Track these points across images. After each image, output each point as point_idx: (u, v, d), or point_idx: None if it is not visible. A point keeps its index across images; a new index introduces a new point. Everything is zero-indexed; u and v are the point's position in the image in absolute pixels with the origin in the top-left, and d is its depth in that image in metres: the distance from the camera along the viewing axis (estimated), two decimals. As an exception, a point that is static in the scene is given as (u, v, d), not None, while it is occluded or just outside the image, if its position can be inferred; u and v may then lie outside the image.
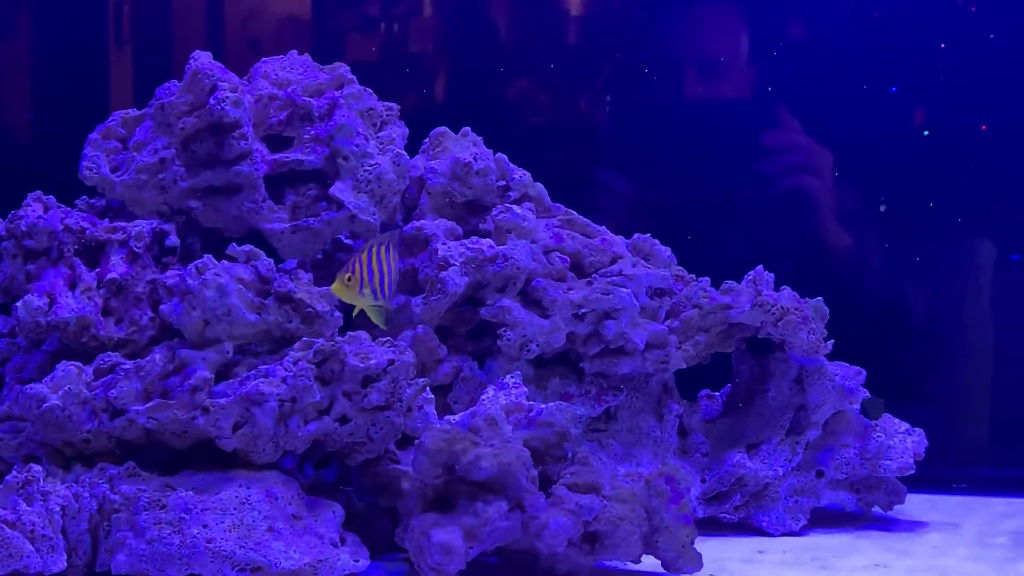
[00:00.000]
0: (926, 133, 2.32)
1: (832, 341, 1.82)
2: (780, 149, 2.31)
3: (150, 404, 1.51)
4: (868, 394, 1.87)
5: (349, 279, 1.57)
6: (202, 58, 1.70)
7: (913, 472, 1.87)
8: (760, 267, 1.83)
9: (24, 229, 1.63)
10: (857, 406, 1.86)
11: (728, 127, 2.34)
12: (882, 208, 2.34)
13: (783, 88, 2.36)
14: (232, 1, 2.46)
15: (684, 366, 1.79)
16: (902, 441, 1.86)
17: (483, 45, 2.43)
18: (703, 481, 1.81)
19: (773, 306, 1.78)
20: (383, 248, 1.56)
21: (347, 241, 1.85)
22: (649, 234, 1.85)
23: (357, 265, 1.56)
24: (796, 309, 1.78)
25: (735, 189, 2.34)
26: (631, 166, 2.35)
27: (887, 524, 1.91)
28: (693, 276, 1.85)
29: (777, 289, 1.82)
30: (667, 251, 1.83)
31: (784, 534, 1.82)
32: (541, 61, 2.42)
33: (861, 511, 1.91)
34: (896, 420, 1.89)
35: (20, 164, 2.40)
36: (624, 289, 1.72)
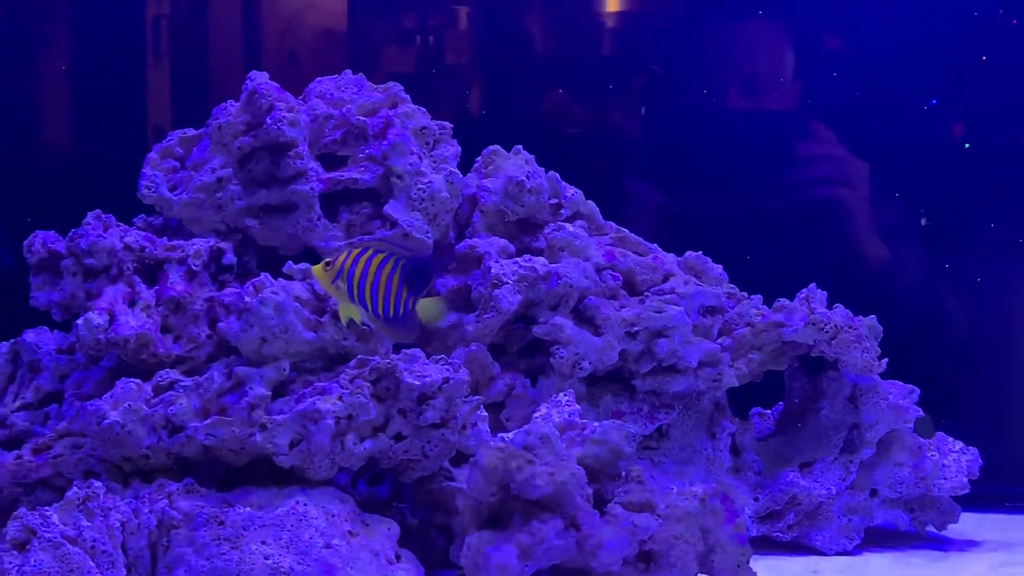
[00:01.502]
0: (967, 146, 2.31)
1: (886, 360, 1.81)
2: (813, 160, 2.30)
3: (208, 421, 1.53)
4: (921, 413, 1.86)
5: (328, 265, 1.49)
6: (259, 78, 1.72)
7: (967, 491, 1.86)
8: (813, 285, 1.83)
9: (84, 247, 1.66)
10: (911, 425, 1.85)
11: (762, 138, 2.34)
12: (923, 221, 2.33)
13: (821, 100, 2.35)
14: (269, 15, 2.48)
15: (736, 384, 1.79)
16: (956, 460, 1.85)
17: (518, 57, 2.44)
18: (756, 500, 1.80)
19: (827, 324, 1.77)
20: (388, 262, 1.48)
21: (399, 259, 1.86)
22: (701, 252, 1.85)
23: (344, 256, 1.48)
24: (850, 327, 1.78)
25: (769, 200, 2.34)
26: (664, 177, 2.35)
27: (941, 543, 1.90)
28: (745, 294, 1.84)
29: (830, 307, 1.82)
30: (719, 269, 1.83)
31: (838, 553, 1.81)
32: (575, 73, 2.43)
33: (915, 530, 1.89)
34: (950, 439, 1.88)
35: (57, 176, 2.43)
36: (676, 307, 1.72)
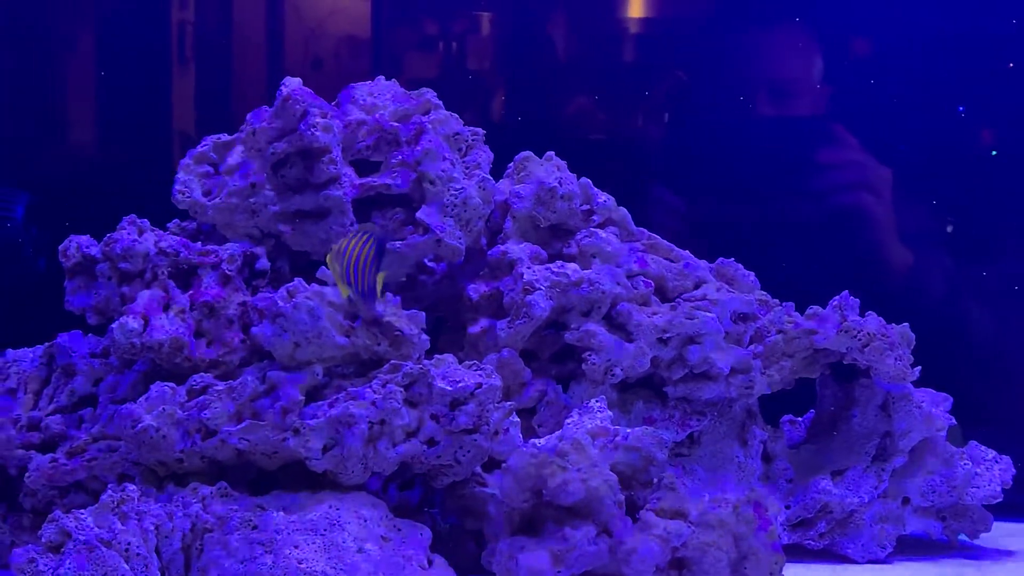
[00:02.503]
0: (994, 153, 2.30)
1: (919, 368, 1.80)
2: (836, 166, 2.30)
3: (242, 425, 1.54)
4: (954, 421, 1.85)
5: (335, 250, 1.56)
6: (292, 84, 1.73)
7: (1000, 500, 1.85)
8: (846, 292, 1.82)
9: (119, 252, 1.66)
10: (943, 433, 1.84)
11: (786, 144, 2.34)
12: (949, 228, 2.32)
13: (846, 106, 2.35)
14: (293, 21, 2.49)
15: (768, 391, 1.79)
16: (989, 469, 1.84)
17: (541, 62, 2.44)
18: (787, 507, 1.80)
19: (859, 332, 1.77)
20: (369, 241, 1.55)
21: (430, 264, 1.86)
22: (732, 258, 1.85)
23: (344, 241, 1.56)
24: (883, 335, 1.77)
25: (792, 206, 2.33)
26: (687, 183, 2.35)
27: (973, 552, 1.89)
28: (777, 301, 1.84)
29: (862, 314, 1.82)
30: (751, 276, 1.83)
31: (870, 561, 1.81)
32: (599, 78, 2.43)
33: (947, 539, 1.88)
34: (983, 447, 1.87)
35: (83, 181, 2.44)
36: (708, 314, 1.72)
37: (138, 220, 1.71)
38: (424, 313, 1.64)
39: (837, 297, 1.82)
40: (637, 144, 2.41)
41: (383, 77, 1.83)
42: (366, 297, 1.57)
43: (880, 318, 1.81)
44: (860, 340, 1.77)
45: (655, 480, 1.57)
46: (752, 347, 1.78)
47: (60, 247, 1.70)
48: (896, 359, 1.78)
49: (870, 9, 2.35)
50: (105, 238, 1.69)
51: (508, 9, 2.46)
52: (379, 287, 1.59)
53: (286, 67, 2.47)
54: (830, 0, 2.37)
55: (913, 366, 1.80)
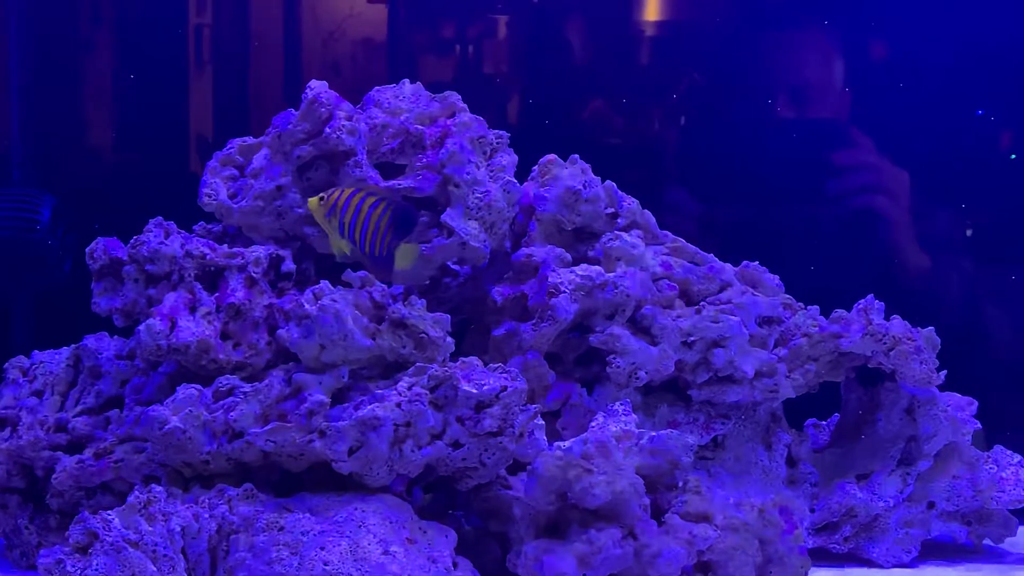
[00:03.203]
0: (1013, 157, 2.29)
1: (945, 372, 1.80)
2: (852, 169, 2.29)
3: (268, 427, 1.54)
4: (979, 425, 1.85)
5: (323, 200, 1.61)
6: (318, 87, 1.74)
7: (1025, 505, 1.85)
8: (871, 296, 1.82)
9: (146, 254, 1.67)
10: (969, 437, 1.83)
11: (802, 147, 2.33)
12: (968, 232, 2.32)
13: (864, 109, 2.34)
14: (310, 24, 2.50)
15: (793, 395, 1.78)
16: (1015, 473, 1.83)
17: (557, 66, 2.44)
18: (812, 511, 1.80)
19: (885, 335, 1.77)
20: (379, 205, 1.59)
21: (454, 267, 1.86)
22: (757, 262, 1.85)
23: (337, 194, 1.60)
24: (908, 339, 1.77)
25: (808, 209, 2.33)
26: (704, 186, 2.35)
27: (998, 557, 1.88)
28: (801, 304, 1.84)
29: (887, 318, 1.81)
30: (775, 279, 1.83)
31: (895, 566, 1.80)
32: (615, 82, 2.43)
33: (972, 543, 1.88)
34: (1008, 452, 1.87)
35: (102, 183, 2.45)
36: (733, 317, 1.72)
37: (164, 223, 1.72)
38: (449, 316, 1.64)
39: (862, 300, 1.82)
40: (653, 147, 2.41)
41: (408, 80, 1.83)
42: (377, 262, 1.60)
43: (905, 322, 1.81)
44: (885, 344, 1.77)
45: (680, 483, 1.57)
46: (777, 350, 1.78)
47: (87, 249, 1.71)
48: (922, 363, 1.77)
49: (889, 11, 2.35)
50: (132, 240, 1.69)
51: (524, 12, 2.46)
52: (407, 262, 1.63)
53: (303, 71, 2.48)
54: (848, 2, 2.37)
55: (939, 370, 1.80)
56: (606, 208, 1.82)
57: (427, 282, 1.84)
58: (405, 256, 1.65)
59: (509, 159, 1.79)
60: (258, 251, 1.69)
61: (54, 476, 1.64)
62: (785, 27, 2.40)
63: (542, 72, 2.45)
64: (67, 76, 2.48)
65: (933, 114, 2.31)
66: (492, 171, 1.77)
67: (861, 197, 2.29)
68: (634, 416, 1.60)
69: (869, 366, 1.82)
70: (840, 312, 1.82)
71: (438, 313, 1.63)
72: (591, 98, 2.40)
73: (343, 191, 1.60)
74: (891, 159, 2.31)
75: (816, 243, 2.32)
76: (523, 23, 2.47)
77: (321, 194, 1.62)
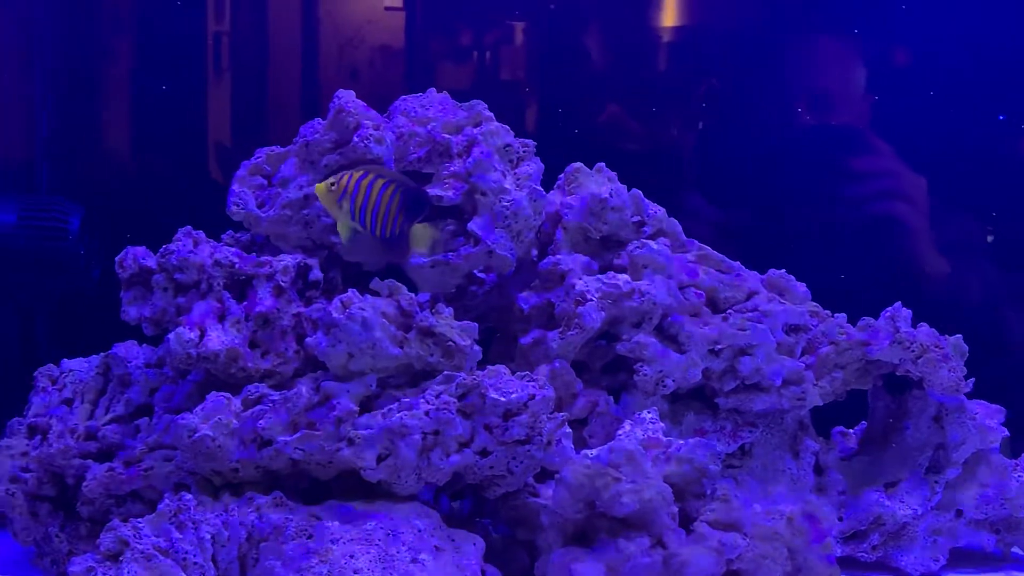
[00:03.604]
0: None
1: (972, 379, 1.79)
2: (870, 174, 2.29)
3: (297, 435, 1.55)
4: (1007, 433, 1.84)
5: (333, 185, 1.62)
6: (345, 96, 1.74)
7: (1054, 513, 1.84)
8: (898, 304, 1.81)
9: (175, 263, 1.68)
10: (997, 445, 1.83)
11: (820, 153, 2.33)
12: (989, 238, 2.31)
13: (884, 115, 2.34)
14: (328, 31, 2.51)
15: (821, 403, 1.78)
16: (1044, 481, 1.83)
17: (574, 72, 2.44)
18: (840, 519, 1.79)
19: (912, 343, 1.76)
20: (388, 187, 1.61)
21: (480, 275, 1.87)
22: (784, 270, 1.85)
23: (347, 178, 1.61)
24: (936, 346, 1.76)
25: (826, 215, 2.33)
26: (721, 192, 2.35)
27: (1027, 566, 1.88)
28: (828, 312, 1.83)
29: (914, 325, 1.81)
30: (802, 287, 1.82)
31: (923, 574, 1.80)
32: (632, 88, 2.43)
33: (1000, 552, 1.87)
34: (1037, 460, 1.86)
35: (120, 190, 2.47)
36: (760, 325, 1.72)
37: (193, 231, 1.72)
38: (476, 324, 1.65)
39: (890, 308, 1.81)
40: (670, 153, 2.41)
41: (434, 89, 1.83)
42: (390, 244, 1.62)
43: (933, 329, 1.80)
44: (913, 351, 1.77)
45: (708, 492, 1.57)
46: (804, 358, 1.78)
47: (117, 258, 1.72)
48: (950, 370, 1.77)
49: (909, 16, 2.34)
50: (161, 249, 1.70)
51: (542, 19, 2.47)
52: (423, 243, 1.65)
53: (321, 77, 2.49)
54: (867, 8, 2.37)
55: (967, 378, 1.79)
56: (632, 216, 1.82)
57: (453, 290, 1.85)
58: (421, 237, 1.66)
59: (535, 167, 1.79)
60: (286, 260, 1.70)
61: (84, 484, 1.65)
62: (803, 32, 2.40)
63: (559, 78, 2.45)
64: (89, 84, 2.50)
65: (955, 120, 2.30)
66: (518, 179, 1.77)
67: (879, 203, 2.28)
68: (661, 424, 1.61)
69: (897, 374, 1.82)
70: (868, 320, 1.81)
71: (465, 321, 1.64)
72: (608, 104, 2.40)
73: (352, 175, 1.61)
74: (910, 165, 2.31)
75: (834, 249, 2.31)
76: (540, 29, 2.47)
77: (329, 179, 1.63)
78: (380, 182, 1.61)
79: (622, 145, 2.41)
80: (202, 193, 2.44)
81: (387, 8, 2.50)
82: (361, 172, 1.62)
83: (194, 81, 2.45)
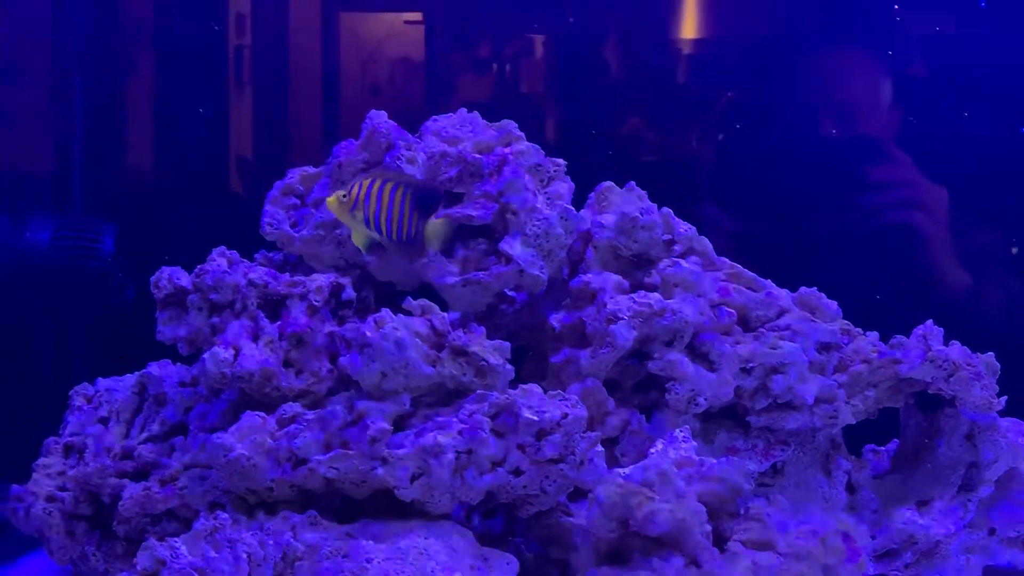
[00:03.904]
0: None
1: (1005, 397, 1.79)
2: (888, 185, 2.29)
3: (331, 454, 1.56)
4: (1041, 450, 1.83)
5: (344, 196, 1.64)
6: (378, 118, 1.76)
7: (1088, 531, 1.83)
8: (930, 322, 1.81)
9: (210, 283, 1.69)
10: (1029, 462, 1.82)
11: (839, 164, 2.33)
12: (1014, 250, 2.30)
13: (905, 126, 2.34)
14: (349, 45, 2.53)
15: (853, 421, 1.78)
16: (1077, 499, 1.82)
17: (594, 84, 2.45)
18: (873, 538, 1.78)
19: (945, 361, 1.76)
20: (398, 190, 1.63)
21: (510, 293, 1.87)
22: (815, 289, 1.85)
23: (357, 188, 1.63)
24: (968, 364, 1.76)
25: (845, 226, 2.33)
26: (740, 204, 2.35)
27: (1061, 584, 1.87)
28: (859, 330, 1.83)
29: (946, 343, 1.80)
30: (833, 305, 1.82)
31: (956, 593, 1.79)
32: (651, 100, 2.44)
33: (1033, 570, 1.87)
34: (1070, 477, 1.85)
35: (141, 203, 2.49)
36: (792, 343, 1.72)
37: (227, 251, 1.74)
38: (508, 343, 1.65)
39: (921, 326, 1.81)
40: (690, 164, 2.42)
41: (464, 109, 1.85)
42: (409, 246, 1.64)
43: (965, 347, 1.80)
44: (945, 370, 1.76)
45: (741, 511, 1.57)
46: (836, 376, 1.78)
47: (152, 278, 1.73)
48: (982, 388, 1.76)
49: (929, 28, 2.35)
50: (196, 269, 1.72)
51: (561, 31, 2.48)
52: (438, 237, 1.67)
53: (342, 91, 2.51)
54: (887, 19, 2.37)
55: (1000, 395, 1.79)
56: (663, 235, 1.82)
57: (484, 308, 1.86)
58: (435, 232, 1.68)
59: (566, 187, 1.80)
60: (319, 279, 1.71)
61: (121, 503, 1.66)
62: (822, 44, 2.41)
63: (579, 90, 2.46)
64: (117, 102, 2.52)
65: (976, 132, 2.30)
66: (549, 199, 1.78)
67: (897, 213, 2.28)
68: (693, 443, 1.61)
69: (929, 392, 1.82)
70: (899, 338, 1.81)
71: (498, 341, 1.64)
72: (627, 115, 2.41)
73: (361, 184, 1.63)
74: (930, 176, 2.30)
75: (853, 259, 2.31)
76: (559, 42, 2.49)
77: (339, 192, 1.65)
78: (389, 186, 1.63)
79: (641, 156, 2.42)
80: (228, 208, 2.46)
81: (407, 22, 2.52)
82: (370, 180, 1.63)
83: (215, 93, 2.47)
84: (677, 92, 2.46)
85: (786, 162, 2.37)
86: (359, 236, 1.66)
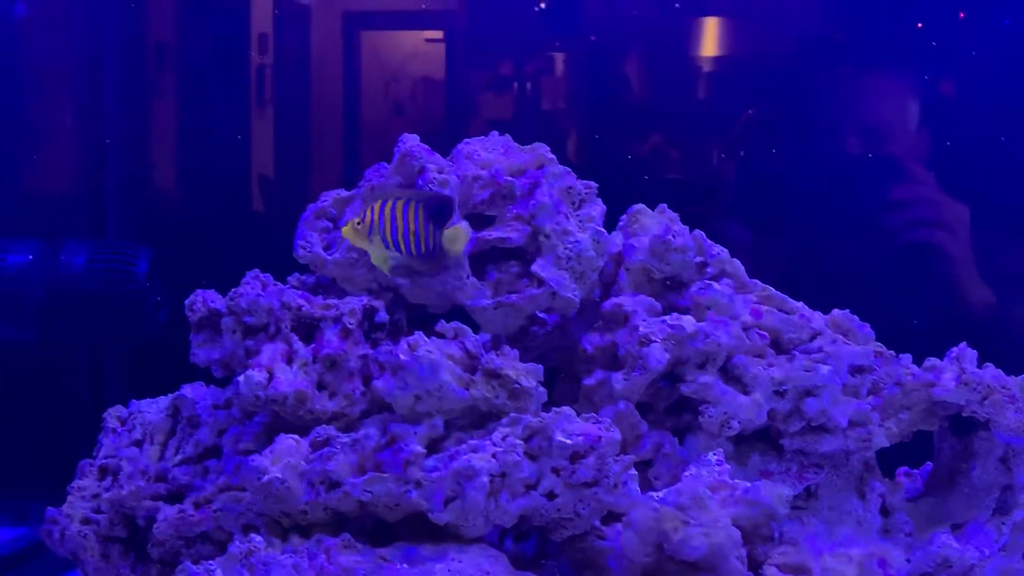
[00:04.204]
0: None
1: (1041, 420, 1.78)
2: (909, 203, 2.28)
3: (365, 477, 1.56)
4: (1075, 473, 1.82)
5: (359, 223, 1.66)
6: (410, 141, 1.76)
7: (1123, 555, 1.81)
8: (963, 344, 1.80)
9: (244, 306, 1.70)
10: (1064, 486, 1.81)
11: (860, 183, 2.33)
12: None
13: (927, 146, 2.34)
14: (371, 64, 2.54)
15: (887, 444, 1.77)
16: (1113, 523, 1.81)
17: (615, 102, 2.46)
18: (907, 561, 1.77)
19: (979, 384, 1.75)
20: (410, 206, 1.65)
21: (542, 315, 1.87)
22: (847, 311, 1.84)
23: (370, 212, 1.64)
24: (1003, 387, 1.75)
25: (863, 244, 2.32)
26: (761, 221, 2.35)
27: (1096, 608, 1.85)
28: (892, 353, 1.83)
29: (980, 366, 1.80)
30: (866, 327, 1.82)
31: (991, 617, 1.78)
32: (673, 117, 2.44)
33: (1068, 594, 1.85)
34: (1105, 501, 1.84)
35: (165, 222, 2.50)
36: (826, 366, 1.71)
37: (261, 274, 1.75)
38: (541, 366, 1.65)
39: (955, 348, 1.81)
40: (711, 182, 2.42)
41: (496, 132, 1.85)
42: (430, 258, 1.66)
43: (998, 370, 1.79)
44: (979, 392, 1.76)
45: (775, 535, 1.56)
46: (869, 399, 1.77)
47: (186, 301, 1.74)
48: (1016, 412, 1.75)
49: (952, 47, 2.35)
50: (230, 292, 1.72)
51: (582, 49, 2.49)
52: (457, 244, 1.68)
53: (363, 110, 2.52)
54: (909, 38, 2.37)
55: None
56: (695, 257, 1.82)
57: (516, 331, 1.86)
58: (453, 240, 1.69)
59: (598, 209, 1.80)
60: (352, 302, 1.72)
61: (155, 525, 1.66)
62: (844, 63, 2.41)
63: (600, 108, 2.47)
64: (147, 125, 2.54)
65: (1001, 150, 2.30)
66: (581, 221, 1.78)
67: (918, 231, 2.28)
68: (728, 466, 1.61)
69: (963, 415, 1.81)
70: (933, 360, 1.81)
71: (531, 363, 1.64)
72: (649, 134, 2.42)
73: (372, 207, 1.64)
74: (952, 194, 2.30)
75: (874, 278, 2.31)
76: (581, 59, 2.49)
77: (352, 220, 1.66)
78: (400, 204, 1.64)
79: (663, 174, 2.43)
80: (252, 229, 2.47)
81: (428, 40, 2.53)
82: (380, 202, 1.65)
83: (237, 111, 2.49)
84: (698, 110, 2.46)
85: (806, 180, 2.37)
86: (379, 258, 1.68)
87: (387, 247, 1.65)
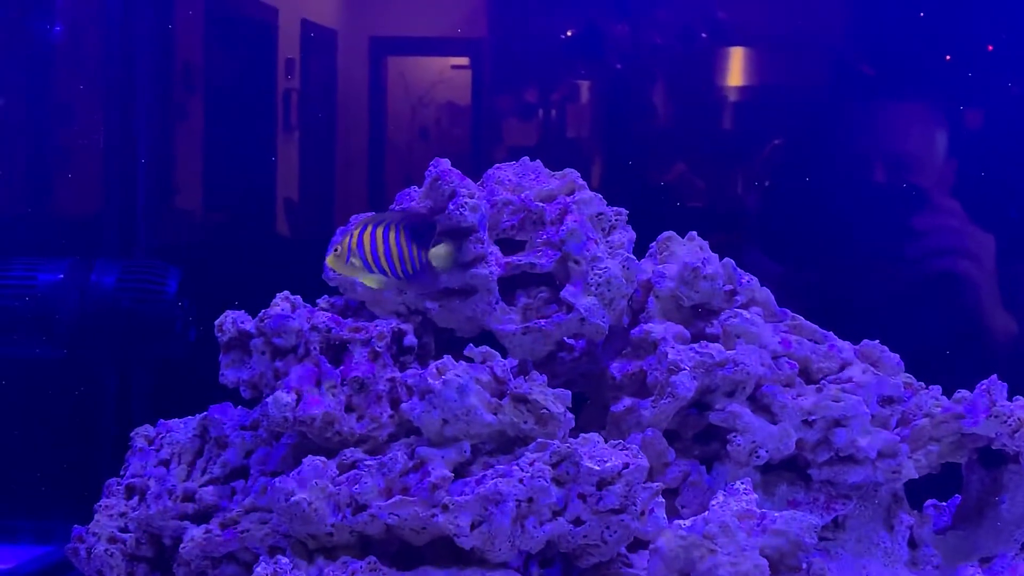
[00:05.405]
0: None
1: (1071, 455, 1.77)
2: (932, 232, 2.28)
3: (392, 500, 1.56)
4: (1105, 508, 1.81)
5: (338, 251, 1.64)
6: (442, 165, 1.77)
7: None
8: (994, 376, 1.79)
9: (274, 327, 1.70)
10: (1093, 521, 1.79)
11: (883, 212, 2.32)
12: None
13: (952, 174, 2.33)
14: (398, 90, 2.55)
15: (916, 475, 1.76)
16: None
17: (640, 129, 2.46)
18: (936, 594, 1.77)
19: (1009, 417, 1.74)
20: (390, 229, 1.63)
21: (569, 341, 1.87)
22: (877, 341, 1.84)
23: (347, 238, 1.63)
24: (1034, 421, 1.74)
25: (888, 273, 2.32)
26: (785, 250, 2.34)
27: None
28: (922, 384, 1.82)
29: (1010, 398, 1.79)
30: (896, 358, 1.81)
31: (1020, 653, 1.76)
32: (698, 146, 2.44)
33: (1098, 630, 1.83)
34: None
35: (195, 242, 2.51)
36: (855, 397, 1.71)
37: (291, 296, 1.75)
38: (569, 392, 1.65)
39: (985, 381, 1.80)
40: (736, 211, 2.42)
41: (527, 158, 1.86)
42: (419, 278, 1.65)
43: (1029, 403, 1.78)
44: (1009, 425, 1.74)
45: (804, 566, 1.55)
46: (898, 430, 1.76)
47: (216, 322, 1.75)
48: (1047, 445, 1.74)
49: (976, 75, 2.35)
50: (259, 314, 1.73)
51: (607, 77, 2.49)
52: (445, 262, 1.67)
53: (389, 135, 2.53)
54: (933, 67, 2.37)
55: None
56: (724, 285, 1.82)
57: (543, 356, 1.86)
58: (440, 258, 1.68)
59: (627, 236, 1.80)
60: (381, 325, 1.72)
61: (182, 546, 1.66)
62: (869, 94, 2.41)
63: (625, 136, 2.47)
64: (175, 146, 2.55)
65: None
66: (611, 247, 1.78)
67: (942, 260, 2.27)
68: (755, 495, 1.60)
69: (992, 447, 1.80)
70: (963, 392, 1.80)
71: (559, 389, 1.64)
72: (674, 162, 2.42)
73: (351, 234, 1.63)
74: (978, 223, 2.29)
75: (899, 307, 2.30)
76: (606, 87, 2.50)
77: (334, 247, 1.66)
78: (380, 229, 1.63)
79: (687, 202, 2.43)
80: (282, 250, 2.49)
81: (454, 67, 2.55)
82: (360, 228, 1.63)
83: (263, 136, 2.50)
84: (723, 138, 2.46)
85: (831, 209, 2.36)
86: (368, 281, 1.66)
87: (370, 271, 1.64)
